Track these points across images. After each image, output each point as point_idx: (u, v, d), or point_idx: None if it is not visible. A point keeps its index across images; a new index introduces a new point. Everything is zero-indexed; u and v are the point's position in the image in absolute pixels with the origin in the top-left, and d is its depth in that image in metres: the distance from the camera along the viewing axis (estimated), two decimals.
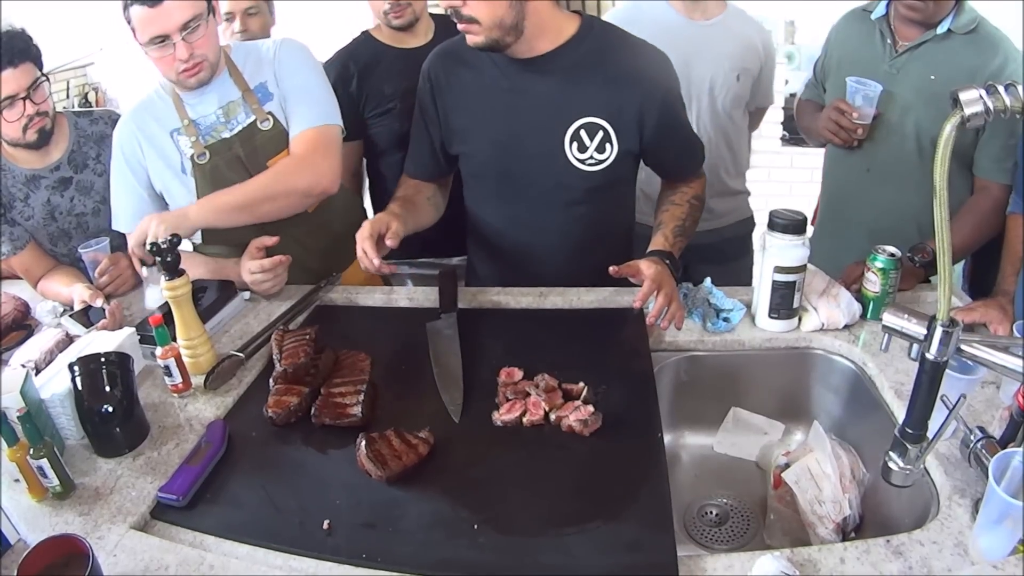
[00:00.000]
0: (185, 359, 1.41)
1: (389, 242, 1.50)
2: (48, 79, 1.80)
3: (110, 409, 1.23)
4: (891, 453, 1.01)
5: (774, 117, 3.99)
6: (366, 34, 2.14)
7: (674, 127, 1.63)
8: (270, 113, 1.73)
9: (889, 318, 0.99)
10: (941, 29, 1.72)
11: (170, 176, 1.73)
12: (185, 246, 1.58)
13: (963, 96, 0.85)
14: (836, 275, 1.62)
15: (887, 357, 1.41)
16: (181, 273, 1.42)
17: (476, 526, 1.05)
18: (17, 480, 1.13)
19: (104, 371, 1.25)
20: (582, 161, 1.58)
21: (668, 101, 1.58)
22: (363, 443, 1.16)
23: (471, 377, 1.39)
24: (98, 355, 1.27)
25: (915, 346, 0.96)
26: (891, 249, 1.52)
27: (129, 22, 1.56)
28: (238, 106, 1.73)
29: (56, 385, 1.27)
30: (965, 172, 1.78)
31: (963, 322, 1.38)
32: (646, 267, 1.46)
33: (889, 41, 1.81)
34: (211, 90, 1.71)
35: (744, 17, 2.18)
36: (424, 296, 1.75)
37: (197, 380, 1.42)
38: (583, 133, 1.56)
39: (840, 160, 2.01)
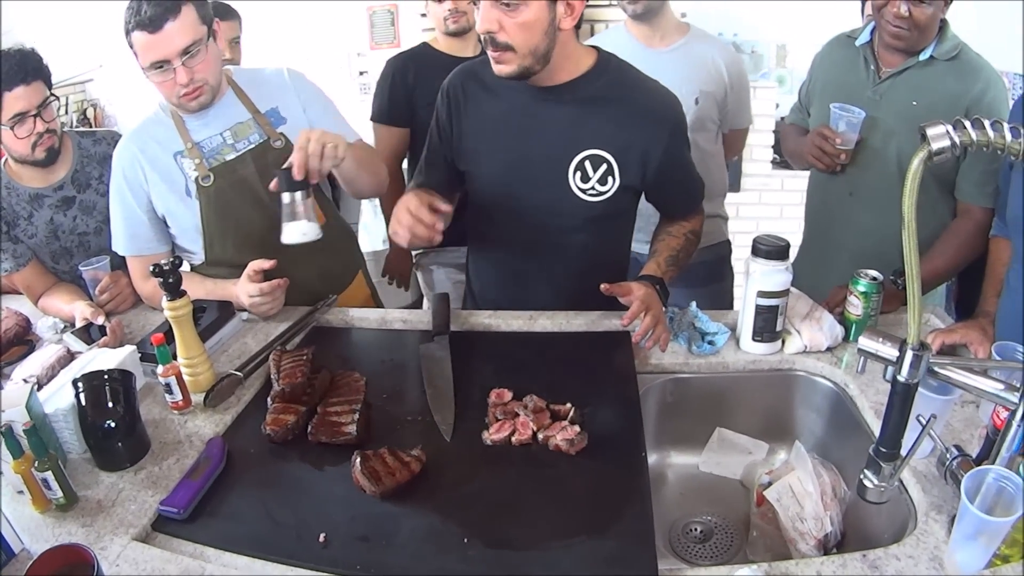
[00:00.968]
0: (185, 377, 1.43)
1: (444, 207, 1.49)
2: (57, 98, 1.83)
3: (113, 424, 1.26)
4: (866, 471, 1.04)
5: (765, 140, 4.02)
6: (424, 43, 2.47)
7: (677, 168, 1.65)
8: (282, 133, 1.77)
9: (864, 341, 1.04)
10: (924, 56, 1.75)
11: (174, 200, 1.75)
12: (184, 267, 1.61)
13: (930, 132, 0.88)
14: (819, 297, 1.65)
15: (867, 378, 1.44)
16: (183, 294, 1.43)
17: (466, 540, 1.08)
18: (21, 492, 1.16)
19: (107, 388, 1.28)
20: (583, 191, 1.59)
21: (674, 143, 1.60)
22: (358, 460, 1.19)
23: (462, 397, 1.42)
24: (101, 372, 1.29)
25: (890, 368, 1.00)
26: (873, 273, 1.55)
27: (131, 46, 1.59)
28: (249, 127, 1.77)
29: (59, 400, 1.29)
30: (948, 196, 1.80)
31: (945, 343, 1.44)
32: (636, 288, 1.50)
33: (873, 67, 1.84)
34: (215, 112, 1.74)
35: (709, 40, 2.21)
36: (417, 318, 1.78)
37: (197, 398, 1.44)
38: (587, 164, 1.57)
39: (823, 184, 2.04)
